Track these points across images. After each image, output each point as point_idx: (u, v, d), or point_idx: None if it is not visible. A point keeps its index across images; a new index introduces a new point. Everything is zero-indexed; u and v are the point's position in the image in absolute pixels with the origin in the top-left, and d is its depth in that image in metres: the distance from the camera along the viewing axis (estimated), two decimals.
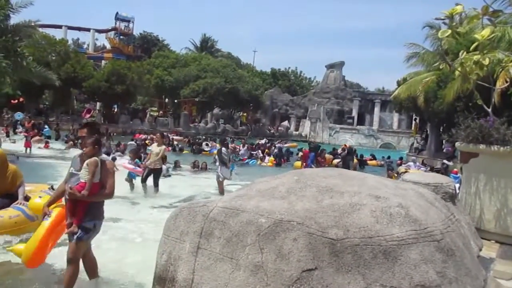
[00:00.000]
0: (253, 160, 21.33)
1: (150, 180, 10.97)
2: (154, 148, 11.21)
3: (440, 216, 2.85)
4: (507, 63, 5.53)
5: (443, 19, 3.32)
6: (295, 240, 2.32)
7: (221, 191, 11.41)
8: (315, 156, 16.59)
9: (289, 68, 69.39)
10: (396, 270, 2.26)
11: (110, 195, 4.34)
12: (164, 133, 29.26)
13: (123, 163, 11.72)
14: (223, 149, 11.95)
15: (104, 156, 4.45)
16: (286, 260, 2.29)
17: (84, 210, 4.18)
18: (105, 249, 6.04)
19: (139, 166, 11.63)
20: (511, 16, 13.09)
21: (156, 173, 10.93)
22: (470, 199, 4.77)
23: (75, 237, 4.11)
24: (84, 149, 4.26)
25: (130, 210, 8.99)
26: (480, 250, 3.69)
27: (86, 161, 4.14)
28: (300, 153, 21.41)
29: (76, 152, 6.11)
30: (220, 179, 11.52)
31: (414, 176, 4.07)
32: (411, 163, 19.03)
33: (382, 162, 24.88)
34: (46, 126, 27.88)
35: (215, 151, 21.47)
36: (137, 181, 11.27)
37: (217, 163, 11.89)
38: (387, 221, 2.41)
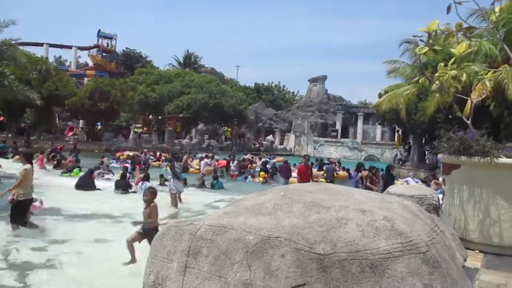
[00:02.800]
0: (247, 178, 20.93)
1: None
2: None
3: (425, 228, 2.89)
4: (483, 76, 5.70)
5: (420, 36, 3.43)
6: (283, 256, 2.33)
7: (175, 204, 11.56)
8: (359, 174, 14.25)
9: (272, 82, 70.10)
10: (383, 283, 2.28)
11: None
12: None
13: None
14: (176, 162, 12.03)
15: None
16: (275, 276, 2.29)
17: None
18: (93, 269, 5.96)
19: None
20: (486, 30, 13.49)
21: (16, 207, 7.86)
22: (453, 210, 4.84)
23: None
24: None
25: (114, 230, 8.84)
26: (465, 260, 3.74)
27: None
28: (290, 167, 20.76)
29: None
30: (173, 192, 11.60)
31: (398, 189, 4.13)
32: (409, 178, 18.99)
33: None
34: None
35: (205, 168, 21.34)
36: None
37: (170, 176, 11.99)
38: (373, 234, 2.44)
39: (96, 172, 16.25)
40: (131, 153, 28.24)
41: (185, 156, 22.44)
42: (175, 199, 11.64)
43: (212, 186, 16.73)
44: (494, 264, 4.16)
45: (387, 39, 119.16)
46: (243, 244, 2.43)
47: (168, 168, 23.56)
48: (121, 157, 26.91)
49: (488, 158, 4.44)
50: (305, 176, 13.18)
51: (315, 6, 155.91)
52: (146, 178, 14.92)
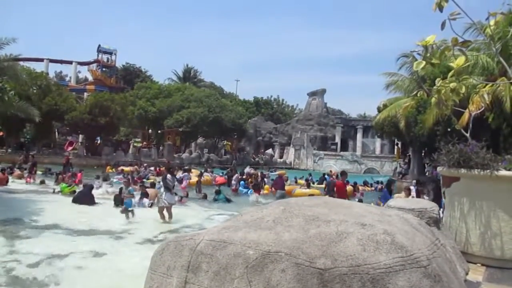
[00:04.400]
0: (250, 190, 20.77)
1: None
2: None
3: (425, 241, 2.88)
4: (481, 89, 5.74)
5: (417, 51, 3.46)
6: (283, 271, 2.32)
7: (169, 217, 11.54)
8: (389, 192, 13.90)
9: (271, 96, 70.45)
10: None
11: None
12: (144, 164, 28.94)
13: None
14: (168, 175, 12.05)
15: None
16: None
17: None
18: (92, 284, 5.91)
19: None
20: (483, 43, 13.62)
21: None
22: (454, 223, 4.82)
23: None
24: None
25: (114, 245, 8.80)
26: (467, 274, 3.71)
27: None
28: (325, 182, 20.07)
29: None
30: (163, 205, 11.56)
31: (398, 202, 4.12)
32: (412, 187, 18.77)
33: (373, 188, 25.05)
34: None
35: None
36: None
37: (162, 189, 11.95)
38: (374, 248, 2.43)
39: (95, 187, 16.23)
40: (126, 168, 28.14)
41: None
42: (170, 211, 11.59)
43: (215, 200, 16.64)
44: (496, 277, 4.13)
45: (385, 51, 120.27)
46: (243, 259, 2.42)
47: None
48: (108, 170, 26.84)
49: (488, 170, 4.44)
50: (343, 191, 13.04)
51: (313, 19, 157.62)
52: (145, 194, 14.74)
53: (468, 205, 4.67)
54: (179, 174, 21.82)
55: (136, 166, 29.22)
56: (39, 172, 22.40)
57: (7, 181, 18.33)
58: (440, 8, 3.21)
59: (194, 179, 21.82)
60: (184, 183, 20.19)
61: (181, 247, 2.69)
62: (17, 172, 21.49)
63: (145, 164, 29.39)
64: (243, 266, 2.39)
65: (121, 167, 28.35)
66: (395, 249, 2.45)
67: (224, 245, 2.55)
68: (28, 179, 20.17)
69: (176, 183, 21.42)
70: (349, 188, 21.42)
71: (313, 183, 25.01)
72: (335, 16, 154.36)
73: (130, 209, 12.13)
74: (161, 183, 12.95)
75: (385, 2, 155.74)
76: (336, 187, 13.75)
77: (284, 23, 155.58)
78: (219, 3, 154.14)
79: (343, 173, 14.33)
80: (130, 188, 12.08)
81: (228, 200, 16.88)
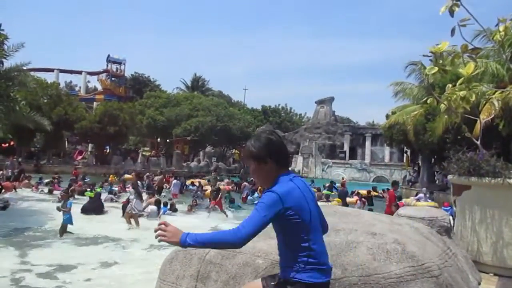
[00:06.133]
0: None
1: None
2: None
3: (436, 250, 2.85)
4: (491, 96, 5.70)
5: (429, 56, 3.45)
6: None
7: (136, 224, 11.57)
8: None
9: (279, 104, 70.46)
10: None
11: None
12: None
13: None
14: (139, 182, 12.15)
15: None
16: None
17: None
18: None
19: None
20: (492, 50, 13.53)
21: None
22: (465, 232, 4.76)
23: None
24: None
25: (123, 254, 8.81)
26: (479, 283, 3.66)
27: None
28: (385, 194, 19.95)
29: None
30: (134, 212, 11.66)
31: (409, 211, 4.08)
32: (421, 195, 18.47)
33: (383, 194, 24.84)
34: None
35: None
36: None
37: (132, 196, 12.08)
38: (384, 258, 2.41)
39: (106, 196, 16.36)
40: (128, 175, 27.90)
41: (160, 177, 22.75)
42: (136, 219, 11.69)
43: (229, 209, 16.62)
44: (509, 287, 4.06)
45: (393, 59, 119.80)
46: (253, 268, 2.41)
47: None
48: (111, 179, 26.79)
49: (500, 178, 4.39)
50: (393, 201, 13.55)
51: (321, 28, 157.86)
52: (158, 202, 14.53)
53: (480, 214, 4.61)
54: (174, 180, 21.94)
55: (146, 175, 29.14)
56: (45, 181, 22.61)
57: (14, 187, 18.74)
58: (451, 13, 3.20)
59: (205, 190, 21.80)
60: (175, 189, 20.34)
61: (190, 256, 2.69)
62: (24, 181, 21.71)
63: (147, 174, 29.24)
64: (253, 276, 2.38)
65: (124, 176, 28.26)
66: (406, 259, 2.43)
67: (233, 254, 2.54)
68: (35, 187, 20.37)
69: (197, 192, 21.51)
70: (354, 199, 21.09)
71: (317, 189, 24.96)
72: (342, 24, 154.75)
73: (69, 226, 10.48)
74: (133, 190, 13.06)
75: (393, 11, 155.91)
76: (389, 197, 14.27)
77: (292, 32, 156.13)
78: (227, 12, 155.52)
79: (395, 183, 14.51)
80: (69, 201, 11.04)
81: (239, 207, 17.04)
